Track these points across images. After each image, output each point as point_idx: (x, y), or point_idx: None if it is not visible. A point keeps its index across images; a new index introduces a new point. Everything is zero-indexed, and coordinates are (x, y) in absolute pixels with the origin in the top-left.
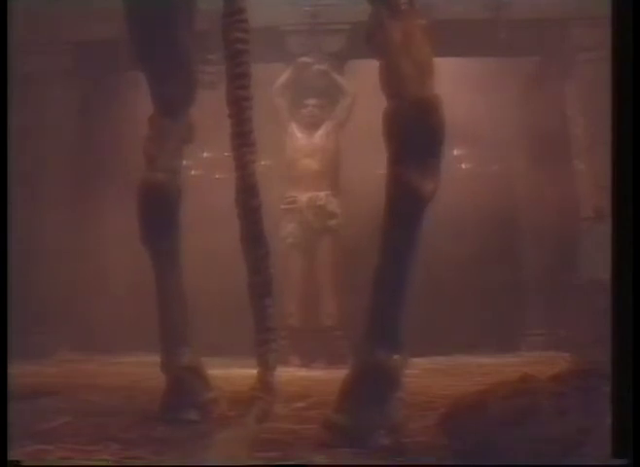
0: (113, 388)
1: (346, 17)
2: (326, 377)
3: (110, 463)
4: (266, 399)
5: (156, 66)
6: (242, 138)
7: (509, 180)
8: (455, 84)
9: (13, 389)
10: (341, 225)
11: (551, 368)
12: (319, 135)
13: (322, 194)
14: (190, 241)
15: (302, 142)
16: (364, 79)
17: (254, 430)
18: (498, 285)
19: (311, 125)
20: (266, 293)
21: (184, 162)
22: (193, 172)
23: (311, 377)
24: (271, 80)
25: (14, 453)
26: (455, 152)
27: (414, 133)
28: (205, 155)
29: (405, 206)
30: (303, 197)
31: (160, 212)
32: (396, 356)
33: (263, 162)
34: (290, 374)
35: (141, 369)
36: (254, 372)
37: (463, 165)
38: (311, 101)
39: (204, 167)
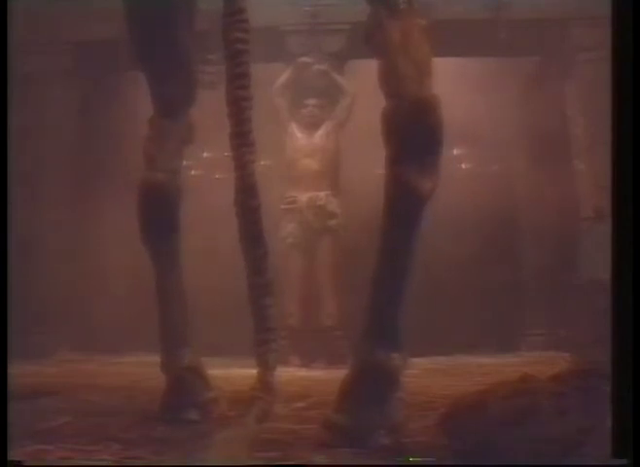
0: (113, 388)
1: (346, 17)
2: (326, 377)
3: (110, 463)
4: (266, 399)
5: (156, 66)
6: (242, 138)
7: (509, 180)
8: (455, 84)
9: (13, 389)
10: (341, 225)
11: (551, 368)
12: (319, 135)
13: (322, 194)
14: (190, 241)
15: (302, 142)
16: (364, 79)
17: (254, 430)
18: (498, 285)
19: (311, 125)
20: (265, 293)
21: (184, 163)
22: (193, 172)
23: (311, 377)
24: (271, 80)
25: (14, 453)
26: (455, 152)
27: (413, 133)
28: (205, 155)
29: (403, 205)
30: (303, 197)
31: (160, 212)
32: (396, 356)
33: (263, 162)
34: (290, 374)
35: (141, 369)
36: (254, 372)
37: (463, 165)
38: (311, 101)
39: (204, 167)
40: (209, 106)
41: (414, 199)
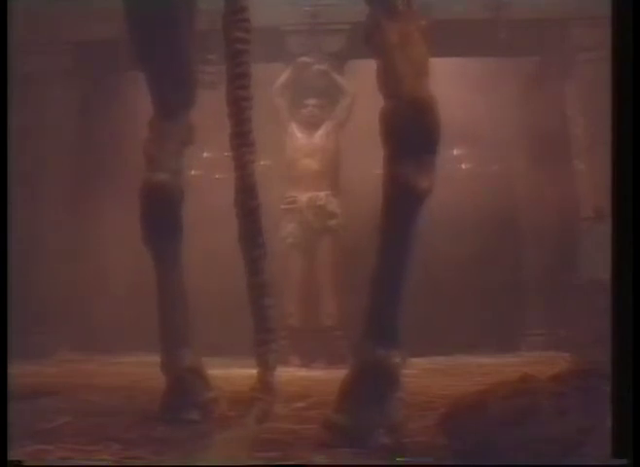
0: (113, 388)
1: (346, 17)
2: (326, 377)
3: (110, 463)
4: (266, 399)
5: (156, 66)
6: (242, 138)
7: (509, 180)
8: (455, 84)
9: (13, 389)
10: (341, 225)
11: (551, 368)
12: (319, 135)
13: (322, 194)
14: (190, 241)
15: (302, 142)
16: (364, 79)
17: (254, 430)
18: (498, 285)
19: (311, 126)
20: (265, 293)
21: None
22: (193, 172)
23: (311, 377)
24: (271, 80)
25: (14, 453)
26: (455, 152)
27: (411, 132)
28: (205, 155)
29: (401, 204)
30: (303, 197)
31: (162, 213)
32: (395, 356)
33: (263, 162)
34: (290, 374)
35: (141, 369)
36: (254, 372)
37: (463, 165)
38: (311, 101)
39: (204, 167)
40: (209, 106)
41: (412, 198)
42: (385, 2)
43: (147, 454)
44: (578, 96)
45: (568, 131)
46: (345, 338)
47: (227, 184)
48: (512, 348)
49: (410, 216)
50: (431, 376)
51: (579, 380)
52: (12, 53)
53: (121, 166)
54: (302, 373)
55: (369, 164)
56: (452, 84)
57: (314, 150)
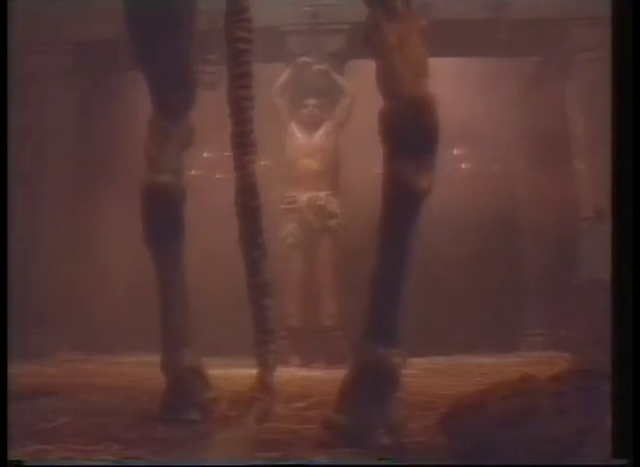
0: (113, 388)
1: (346, 17)
2: (326, 377)
3: (110, 463)
4: (266, 399)
5: (156, 66)
6: (243, 138)
7: (509, 180)
8: (455, 84)
9: (13, 389)
10: (341, 225)
11: (551, 368)
12: (319, 135)
13: (322, 194)
14: (190, 241)
15: (302, 142)
16: (364, 79)
17: (254, 430)
18: (498, 285)
19: (311, 126)
20: (265, 293)
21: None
22: (193, 172)
23: (311, 377)
24: (271, 80)
25: (14, 453)
26: (455, 152)
27: (410, 132)
28: (206, 155)
29: (401, 204)
30: (303, 197)
31: (163, 214)
32: (395, 355)
33: (263, 162)
34: (290, 374)
35: (141, 369)
36: (254, 372)
37: (463, 165)
38: (311, 101)
39: (205, 167)
40: (209, 106)
41: (412, 198)
42: (385, 3)
43: (147, 454)
44: (578, 96)
45: (568, 131)
46: (345, 338)
47: (227, 184)
48: (512, 348)
49: (410, 216)
50: (431, 376)
51: (579, 380)
52: (12, 53)
53: (121, 166)
54: (302, 373)
55: (368, 164)
56: (452, 84)
57: (314, 150)
